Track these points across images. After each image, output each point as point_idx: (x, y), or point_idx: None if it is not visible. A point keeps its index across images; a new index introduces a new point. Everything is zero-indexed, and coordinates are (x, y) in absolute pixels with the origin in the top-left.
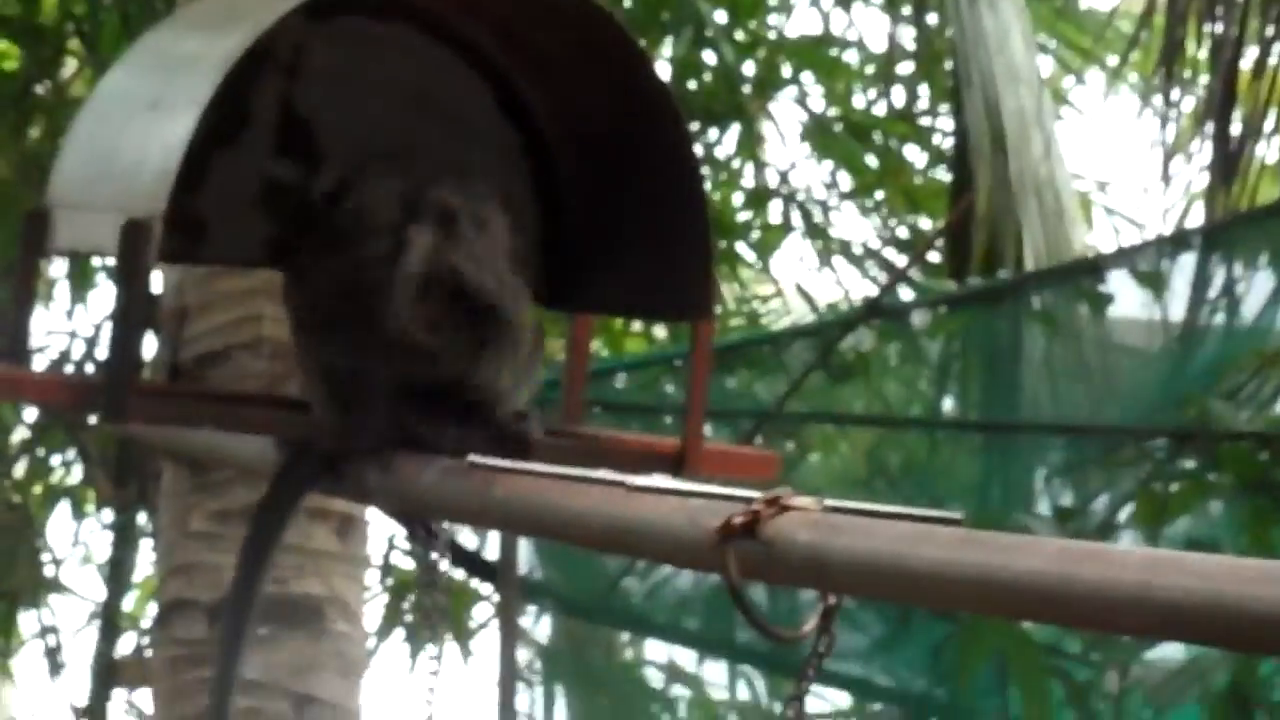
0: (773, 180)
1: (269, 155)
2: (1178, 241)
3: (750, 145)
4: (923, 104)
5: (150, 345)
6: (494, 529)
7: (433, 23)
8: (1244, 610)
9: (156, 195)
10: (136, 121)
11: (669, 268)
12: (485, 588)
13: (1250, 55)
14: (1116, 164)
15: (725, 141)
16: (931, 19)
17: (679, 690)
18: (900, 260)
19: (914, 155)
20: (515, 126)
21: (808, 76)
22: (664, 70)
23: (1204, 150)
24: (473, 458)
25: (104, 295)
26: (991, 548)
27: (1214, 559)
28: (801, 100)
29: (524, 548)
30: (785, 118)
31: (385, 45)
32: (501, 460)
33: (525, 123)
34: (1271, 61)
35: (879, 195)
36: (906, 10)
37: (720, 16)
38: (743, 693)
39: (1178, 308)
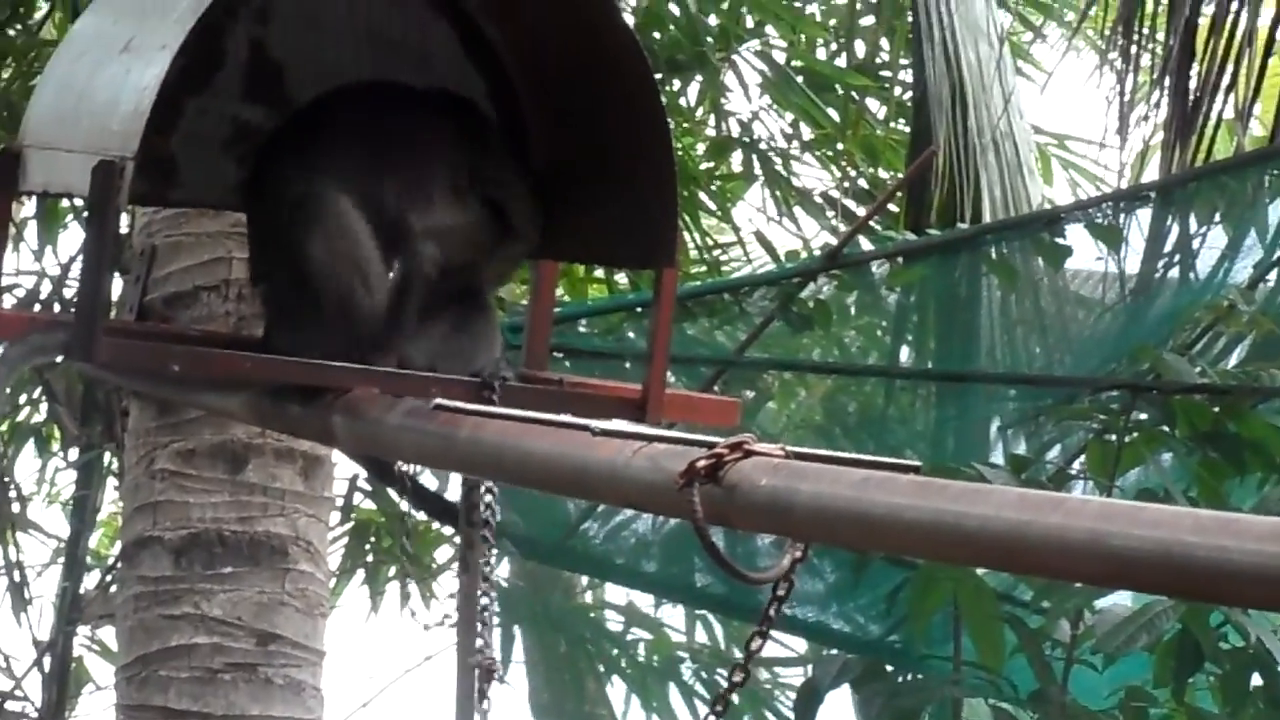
0: (735, 130)
1: (240, 98)
2: (1134, 196)
3: (713, 95)
4: (884, 57)
5: (119, 286)
6: (458, 472)
7: None
8: (1195, 560)
9: (128, 137)
10: (109, 64)
11: (633, 214)
12: (447, 530)
13: (1208, 12)
14: (1075, 119)
15: (688, 92)
16: None
17: (637, 633)
18: (860, 211)
19: (875, 107)
20: (481, 71)
21: (771, 28)
22: (629, 22)
23: (1161, 106)
24: (438, 400)
25: (73, 237)
26: (950, 495)
27: (1168, 510)
28: (764, 52)
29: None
30: (748, 69)
31: None
32: (466, 403)
33: (492, 68)
34: (1228, 19)
35: (839, 146)
36: None
37: None
38: (700, 636)
39: (1134, 261)
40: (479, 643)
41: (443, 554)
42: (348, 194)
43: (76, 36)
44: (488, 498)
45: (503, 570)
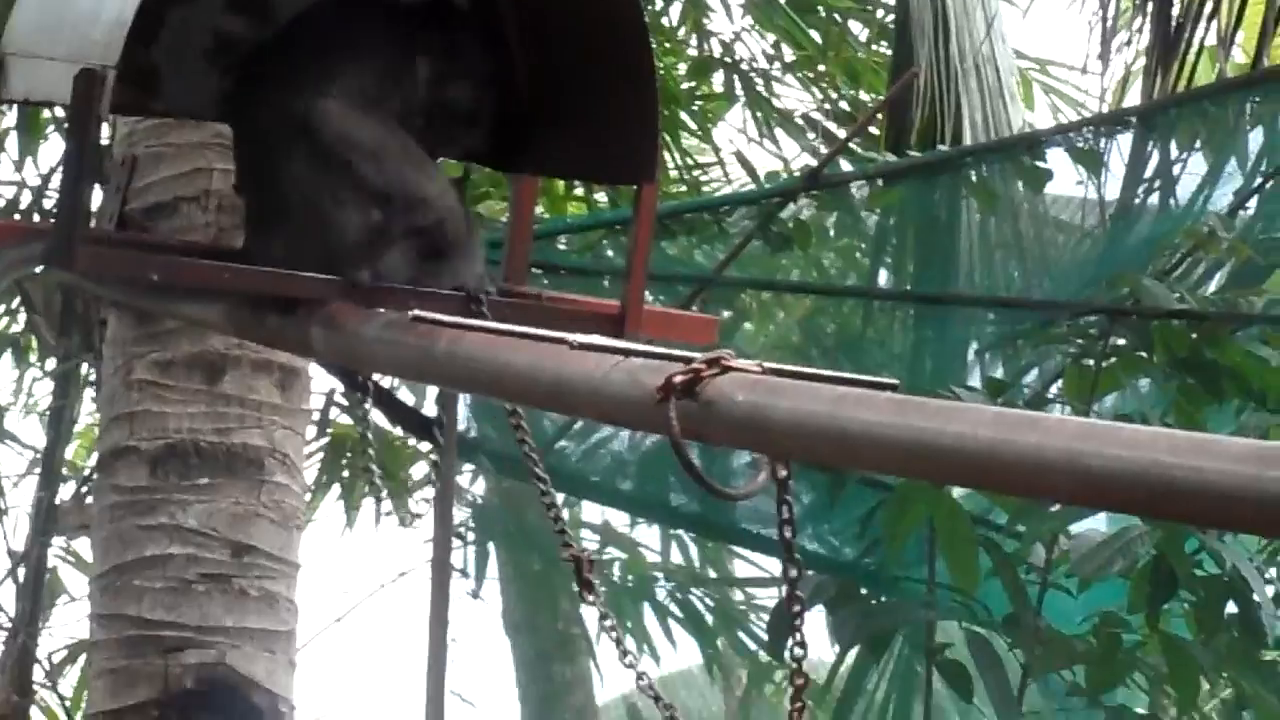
0: (716, 50)
1: (222, 9)
2: (1115, 121)
3: (695, 15)
4: None
5: (99, 196)
6: (435, 385)
7: None
8: (1172, 480)
9: (110, 46)
10: None
11: (613, 130)
12: (423, 446)
13: None
14: (1057, 44)
15: (671, 11)
16: None
17: (613, 552)
18: (841, 132)
19: (857, 29)
20: None
21: None
22: None
23: (1143, 32)
24: (416, 312)
25: (54, 147)
26: (928, 412)
27: (1145, 430)
28: None
29: (461, 405)
30: None
31: None
32: (444, 315)
33: None
34: None
35: (821, 68)
36: None
37: None
38: (675, 555)
39: (1114, 187)
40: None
41: (419, 470)
42: (336, 110)
43: None
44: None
45: (477, 487)
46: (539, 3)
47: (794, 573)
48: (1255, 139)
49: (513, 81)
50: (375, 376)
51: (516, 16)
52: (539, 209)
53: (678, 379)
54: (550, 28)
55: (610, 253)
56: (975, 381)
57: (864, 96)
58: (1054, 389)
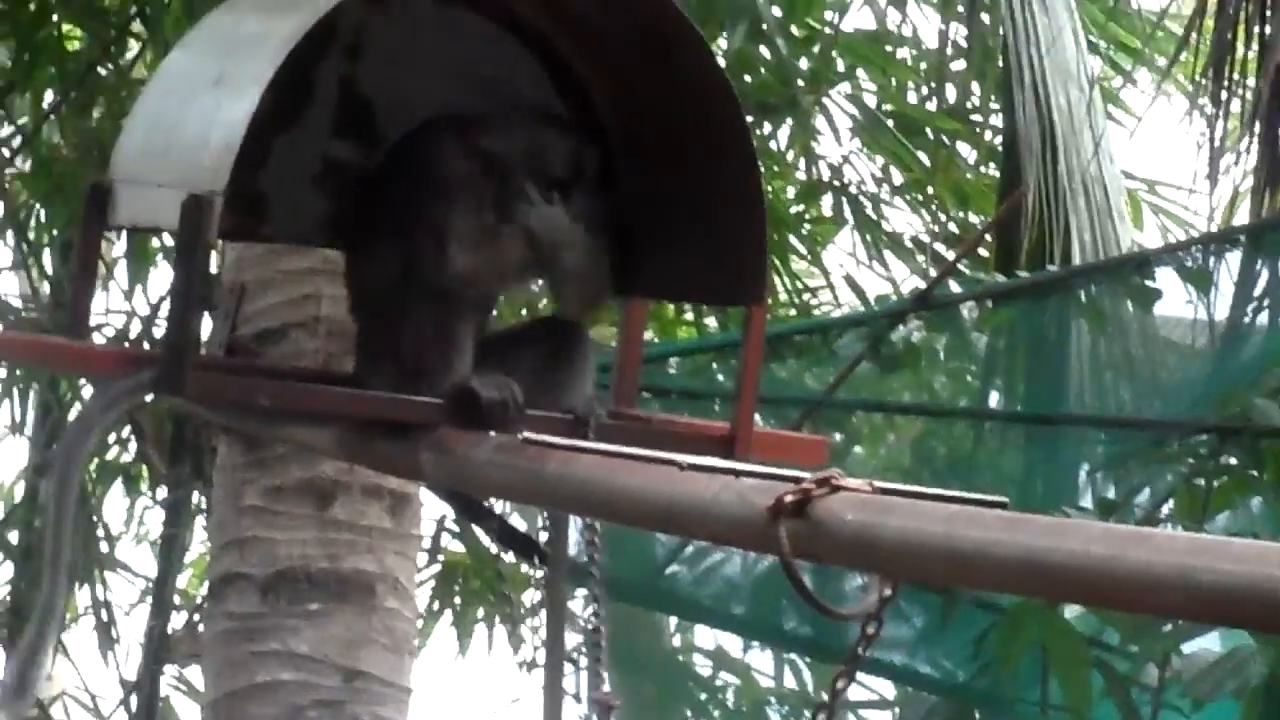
0: (825, 174)
1: (329, 134)
2: (1224, 239)
3: (803, 139)
4: (974, 101)
5: (208, 323)
6: (546, 507)
7: (491, 6)
8: None
9: (218, 172)
10: (199, 99)
11: (723, 253)
12: (538, 573)
13: None
14: (1165, 163)
15: (779, 135)
16: (984, 17)
17: (726, 677)
18: (950, 254)
19: (965, 151)
20: (571, 110)
21: (861, 72)
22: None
23: (1251, 151)
24: (526, 434)
25: (163, 276)
26: (1037, 529)
27: (1256, 544)
28: (855, 96)
29: (573, 529)
30: (839, 112)
31: (444, 28)
32: (554, 437)
33: (581, 107)
34: None
35: (929, 190)
36: (960, 8)
37: (776, 11)
38: (789, 680)
39: (1223, 305)
40: (594, 679)
41: (530, 596)
42: (449, 250)
43: (166, 71)
44: (591, 537)
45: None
46: (647, 127)
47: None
48: None
49: (620, 204)
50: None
51: (624, 141)
52: (649, 333)
53: (788, 498)
54: (659, 152)
55: (720, 376)
56: (1087, 502)
57: (973, 218)
58: (1165, 509)
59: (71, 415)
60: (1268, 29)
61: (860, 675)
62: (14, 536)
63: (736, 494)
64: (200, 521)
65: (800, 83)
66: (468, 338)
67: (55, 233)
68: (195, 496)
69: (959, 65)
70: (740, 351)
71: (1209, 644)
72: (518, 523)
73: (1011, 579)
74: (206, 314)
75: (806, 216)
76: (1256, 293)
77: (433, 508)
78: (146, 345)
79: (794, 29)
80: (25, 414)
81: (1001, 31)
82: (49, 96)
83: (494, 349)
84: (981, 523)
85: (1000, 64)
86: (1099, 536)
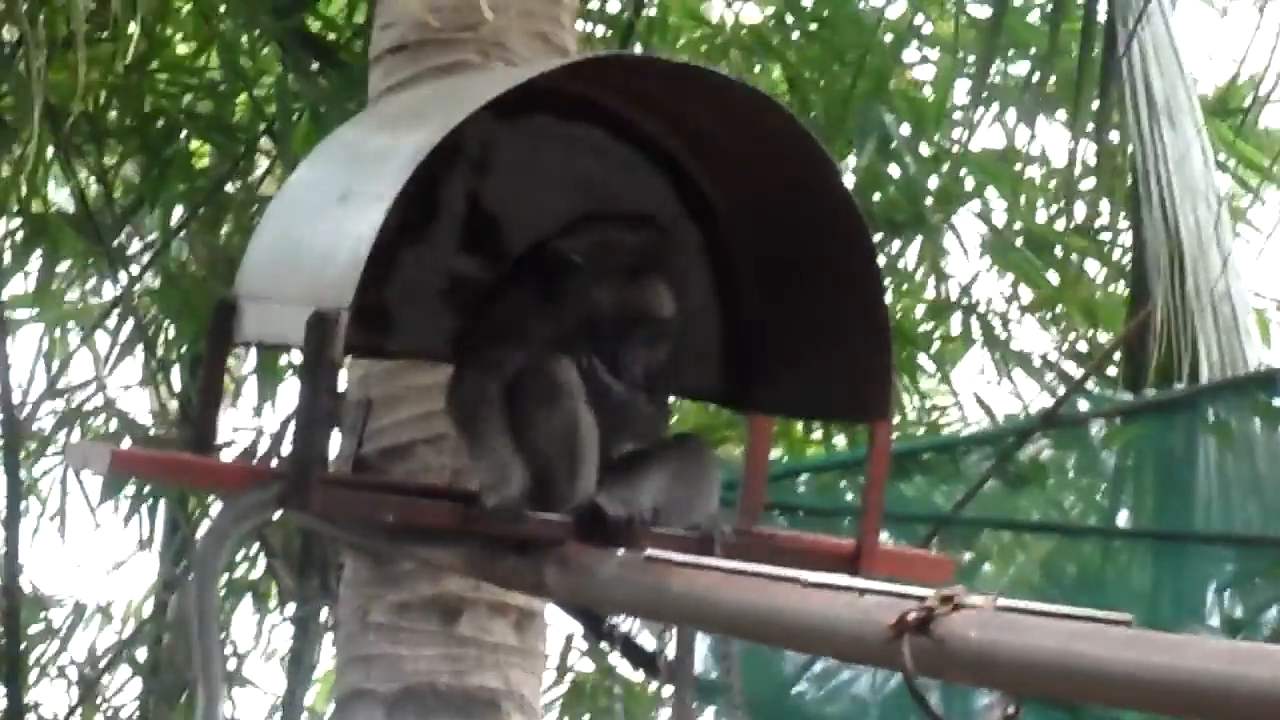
0: (954, 292)
1: (456, 250)
2: None
3: (932, 256)
4: (1103, 219)
5: (335, 439)
6: (669, 622)
7: (618, 123)
8: None
9: (344, 287)
10: (325, 214)
11: (849, 370)
12: (665, 690)
13: None
14: None
15: (907, 253)
16: (1113, 136)
17: None
18: (1077, 372)
19: (1093, 269)
20: (697, 225)
21: (990, 190)
22: (849, 181)
23: None
24: (650, 551)
25: (291, 392)
26: (1159, 646)
27: None
28: (983, 214)
29: (701, 648)
30: (967, 230)
31: (571, 144)
32: (677, 554)
33: (707, 222)
34: None
35: (1058, 308)
36: (1088, 126)
37: (904, 129)
38: None
39: None
40: None
41: (664, 716)
42: (568, 368)
43: (293, 187)
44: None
45: None
46: (774, 244)
47: None
48: None
49: (745, 322)
50: (614, 619)
51: (752, 258)
52: (778, 451)
53: (911, 616)
54: (786, 269)
55: (849, 494)
56: (1214, 620)
57: (1101, 336)
58: None
59: (200, 533)
60: None
61: None
62: (141, 653)
63: (860, 611)
64: (328, 638)
65: (929, 201)
66: (593, 453)
67: (184, 349)
68: (323, 613)
69: (1088, 183)
70: (866, 467)
71: None
72: (646, 640)
73: (1130, 695)
74: (334, 430)
75: (935, 335)
76: None
77: (561, 625)
78: (274, 462)
79: (923, 147)
80: (154, 530)
81: (1130, 149)
82: (178, 212)
83: (621, 466)
84: (1103, 640)
85: (1129, 181)
86: (1222, 654)
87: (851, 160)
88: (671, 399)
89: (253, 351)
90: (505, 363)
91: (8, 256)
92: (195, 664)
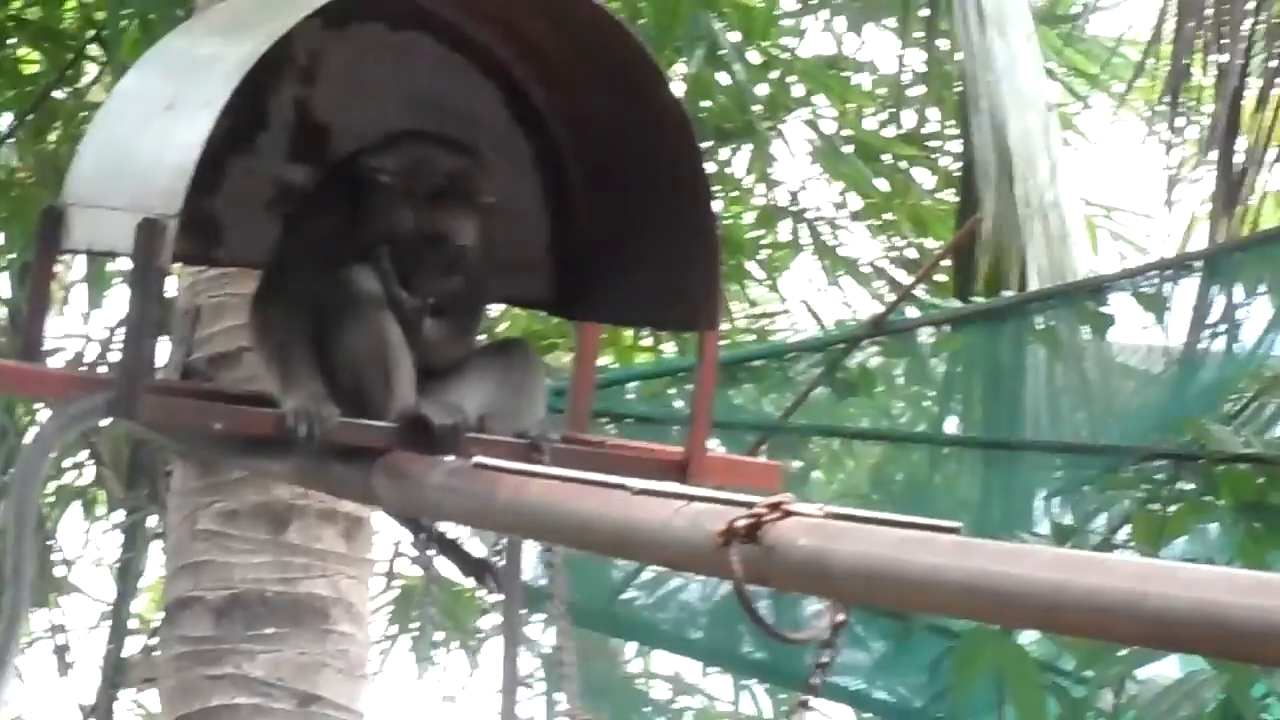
0: (783, 199)
1: (284, 159)
2: (1180, 266)
3: (761, 164)
4: (932, 127)
5: (164, 347)
6: (498, 531)
7: (448, 31)
8: (1236, 619)
9: (172, 195)
10: (153, 123)
11: (677, 279)
12: (493, 598)
13: (1254, 86)
14: (1121, 189)
15: (736, 161)
16: (941, 43)
17: (684, 701)
18: (907, 280)
19: (922, 177)
20: (527, 135)
21: (819, 98)
22: (677, 89)
23: (1207, 178)
24: (478, 459)
25: (119, 300)
26: (989, 554)
27: (1204, 569)
28: (813, 121)
29: (529, 554)
30: (796, 138)
31: (400, 52)
32: (506, 462)
33: (538, 132)
34: (1274, 92)
35: (887, 216)
36: (917, 34)
37: (734, 37)
38: (746, 705)
39: (1178, 331)
40: (562, 698)
41: (491, 620)
42: (370, 278)
43: (120, 95)
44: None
45: (547, 637)
46: (604, 153)
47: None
48: None
49: (575, 230)
50: (440, 524)
51: (581, 166)
52: (608, 359)
53: (740, 523)
54: (615, 178)
55: (678, 402)
56: (1043, 528)
57: (930, 244)
58: (1121, 534)
59: (27, 440)
60: (1223, 56)
61: (817, 701)
62: None
63: (688, 519)
64: (157, 546)
65: (758, 108)
66: (405, 360)
67: (12, 256)
68: (151, 520)
69: (916, 91)
70: (694, 376)
71: (1165, 669)
72: (475, 546)
73: (962, 604)
74: (163, 338)
75: (764, 242)
76: (1211, 319)
77: (389, 531)
78: (102, 369)
79: (752, 55)
80: None
81: (959, 57)
82: (6, 119)
83: (444, 374)
84: (933, 548)
85: (957, 89)
86: (1049, 561)
87: (681, 68)
88: (485, 314)
89: (81, 259)
90: (309, 292)
91: None
92: (7, 571)
